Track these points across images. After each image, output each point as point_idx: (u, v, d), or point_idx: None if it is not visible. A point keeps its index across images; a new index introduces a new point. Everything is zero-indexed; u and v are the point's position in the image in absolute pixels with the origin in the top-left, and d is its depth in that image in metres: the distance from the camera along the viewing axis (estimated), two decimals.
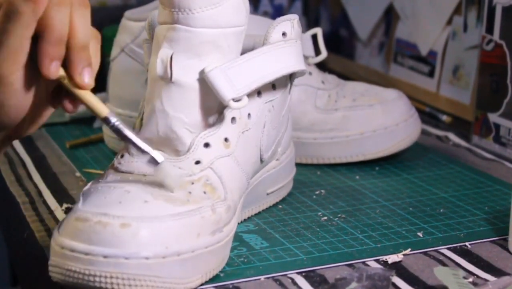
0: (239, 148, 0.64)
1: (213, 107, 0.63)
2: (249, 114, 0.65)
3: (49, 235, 0.67)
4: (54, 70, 0.54)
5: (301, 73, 0.70)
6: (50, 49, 0.53)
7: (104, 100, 0.94)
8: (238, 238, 0.66)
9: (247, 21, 0.65)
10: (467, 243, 0.66)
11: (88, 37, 0.55)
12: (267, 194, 0.72)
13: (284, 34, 0.67)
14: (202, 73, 0.62)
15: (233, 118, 0.64)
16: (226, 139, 0.63)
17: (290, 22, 0.68)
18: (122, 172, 0.61)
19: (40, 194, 0.76)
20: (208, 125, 0.63)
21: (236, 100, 0.63)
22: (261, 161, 0.68)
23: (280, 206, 0.73)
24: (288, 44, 0.67)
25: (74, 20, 0.54)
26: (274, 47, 0.66)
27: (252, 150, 0.66)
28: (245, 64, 0.64)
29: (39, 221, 0.70)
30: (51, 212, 0.72)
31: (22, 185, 0.78)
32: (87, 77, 0.55)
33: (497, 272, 0.61)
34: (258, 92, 0.66)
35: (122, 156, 0.62)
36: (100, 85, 1.05)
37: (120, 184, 0.59)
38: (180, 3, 0.61)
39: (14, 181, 0.79)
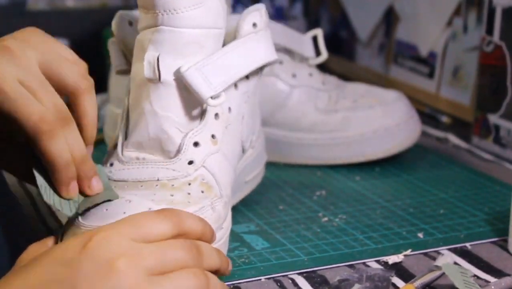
0: (225, 142, 0.64)
1: (200, 105, 0.64)
2: (229, 108, 0.66)
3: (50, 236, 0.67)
4: (73, 191, 0.56)
5: (273, 63, 0.71)
6: (61, 176, 0.55)
7: (105, 101, 0.94)
8: (239, 239, 0.66)
9: (225, 25, 0.65)
10: (467, 244, 0.66)
11: (84, 151, 0.56)
12: (245, 182, 0.72)
13: (254, 24, 0.67)
14: (178, 72, 0.62)
15: (216, 115, 0.64)
16: (213, 136, 0.63)
17: (259, 12, 0.68)
18: (115, 181, 0.60)
19: (41, 194, 0.76)
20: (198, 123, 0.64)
21: (214, 97, 0.63)
22: (243, 151, 0.69)
23: (281, 207, 0.73)
24: (259, 36, 0.67)
25: (69, 142, 0.54)
26: (246, 40, 0.66)
27: (235, 142, 0.66)
28: (219, 61, 0.64)
29: (40, 222, 0.70)
30: (52, 213, 0.72)
31: (23, 185, 0.79)
32: (96, 186, 0.57)
33: (497, 272, 0.61)
34: (235, 84, 0.67)
35: (111, 164, 0.62)
36: (101, 86, 1.05)
37: (123, 194, 0.58)
38: (165, 4, 0.62)
39: (16, 182, 0.80)
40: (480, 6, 0.92)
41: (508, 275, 0.60)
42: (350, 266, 0.62)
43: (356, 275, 0.60)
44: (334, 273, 0.61)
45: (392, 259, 0.63)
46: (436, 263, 0.61)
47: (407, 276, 0.60)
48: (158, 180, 0.60)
